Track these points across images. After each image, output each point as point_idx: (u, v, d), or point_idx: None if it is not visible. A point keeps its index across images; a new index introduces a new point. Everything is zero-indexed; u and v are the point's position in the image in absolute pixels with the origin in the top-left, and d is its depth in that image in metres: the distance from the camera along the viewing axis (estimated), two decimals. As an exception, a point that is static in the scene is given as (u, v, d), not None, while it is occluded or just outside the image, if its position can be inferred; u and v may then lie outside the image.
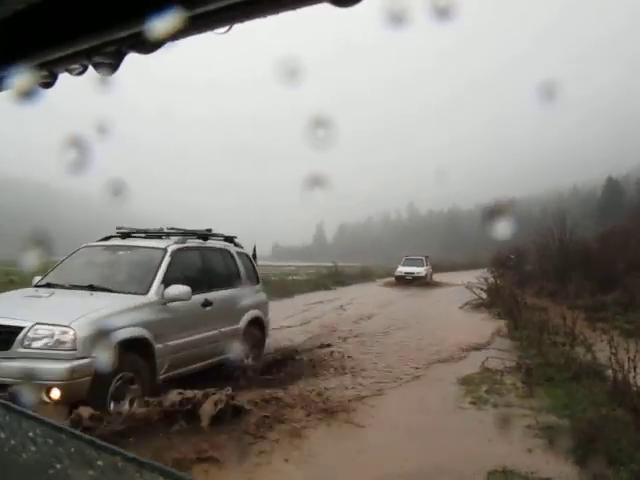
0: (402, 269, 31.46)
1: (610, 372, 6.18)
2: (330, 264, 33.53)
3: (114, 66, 0.61)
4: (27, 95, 0.66)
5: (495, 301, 16.09)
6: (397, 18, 0.56)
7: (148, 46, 0.56)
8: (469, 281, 19.43)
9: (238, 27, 0.55)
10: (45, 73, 0.67)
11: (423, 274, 30.80)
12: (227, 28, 0.55)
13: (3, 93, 0.69)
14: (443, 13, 0.57)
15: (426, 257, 33.35)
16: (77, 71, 0.64)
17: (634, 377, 5.51)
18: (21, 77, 0.66)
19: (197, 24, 0.52)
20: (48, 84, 0.69)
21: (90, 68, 0.63)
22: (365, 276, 35.76)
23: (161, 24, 0.51)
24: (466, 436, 5.37)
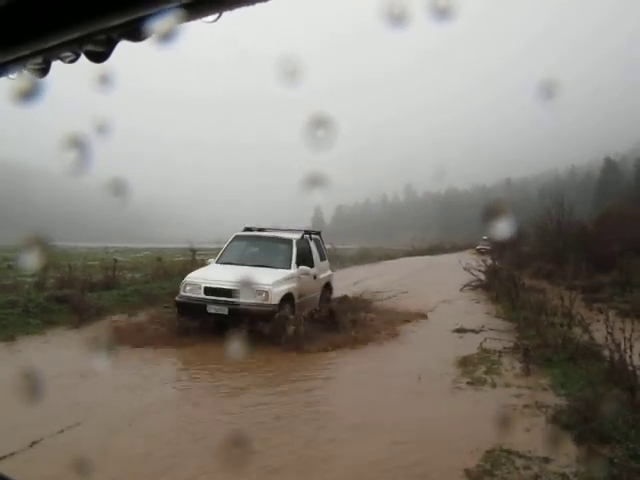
0: (202, 278, 9.39)
1: (607, 352, 6.22)
2: (328, 246, 33.58)
3: (105, 54, 0.61)
4: (26, 89, 0.66)
5: (493, 283, 15.92)
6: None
7: (139, 34, 0.56)
8: (467, 263, 17.46)
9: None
10: (39, 61, 0.67)
11: (272, 300, 8.73)
12: (216, 16, 0.55)
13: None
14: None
15: (310, 234, 11.65)
16: (69, 59, 0.64)
17: (630, 357, 5.55)
18: (17, 66, 0.66)
19: (187, 13, 0.53)
20: (43, 71, 0.69)
21: (82, 56, 0.63)
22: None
23: (151, 13, 0.52)
24: (463, 418, 5.43)
